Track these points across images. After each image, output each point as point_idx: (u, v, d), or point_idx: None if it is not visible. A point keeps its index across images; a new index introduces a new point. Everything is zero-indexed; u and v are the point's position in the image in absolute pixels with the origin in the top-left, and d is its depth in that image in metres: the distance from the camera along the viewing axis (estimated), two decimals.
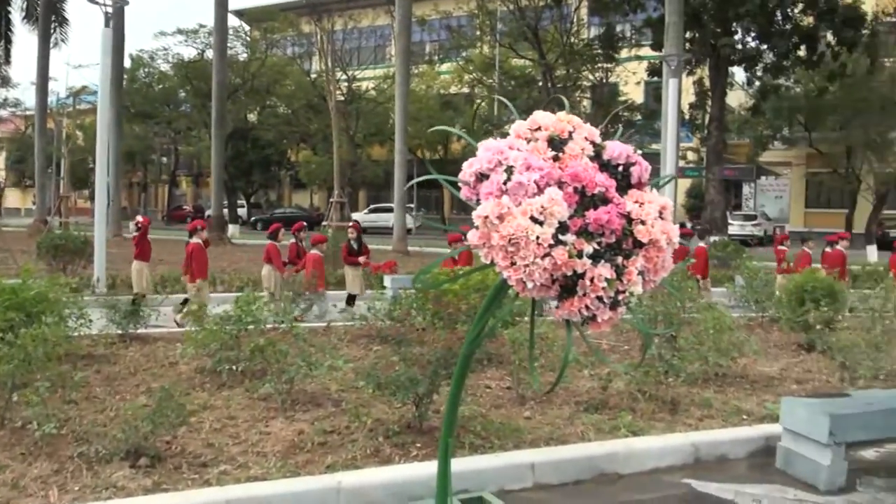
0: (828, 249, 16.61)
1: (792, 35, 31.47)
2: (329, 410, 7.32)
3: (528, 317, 3.85)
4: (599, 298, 3.23)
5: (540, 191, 3.24)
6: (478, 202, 3.33)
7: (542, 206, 3.17)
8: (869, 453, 7.15)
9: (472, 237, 3.28)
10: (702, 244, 16.76)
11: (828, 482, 6.18)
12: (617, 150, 3.46)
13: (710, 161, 33.67)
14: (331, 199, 33.68)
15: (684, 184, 56.17)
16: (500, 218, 3.20)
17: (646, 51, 37.14)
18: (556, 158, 3.38)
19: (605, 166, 3.43)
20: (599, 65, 41.46)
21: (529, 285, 3.20)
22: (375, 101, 47.75)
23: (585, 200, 3.29)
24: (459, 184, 3.46)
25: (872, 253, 31.87)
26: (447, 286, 9.13)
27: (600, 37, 38.12)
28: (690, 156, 48.34)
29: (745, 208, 52.43)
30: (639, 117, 43.25)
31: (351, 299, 14.59)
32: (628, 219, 3.30)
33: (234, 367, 8.23)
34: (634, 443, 6.66)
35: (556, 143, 3.43)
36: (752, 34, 32.61)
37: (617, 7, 34.18)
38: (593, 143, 3.47)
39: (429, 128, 33.23)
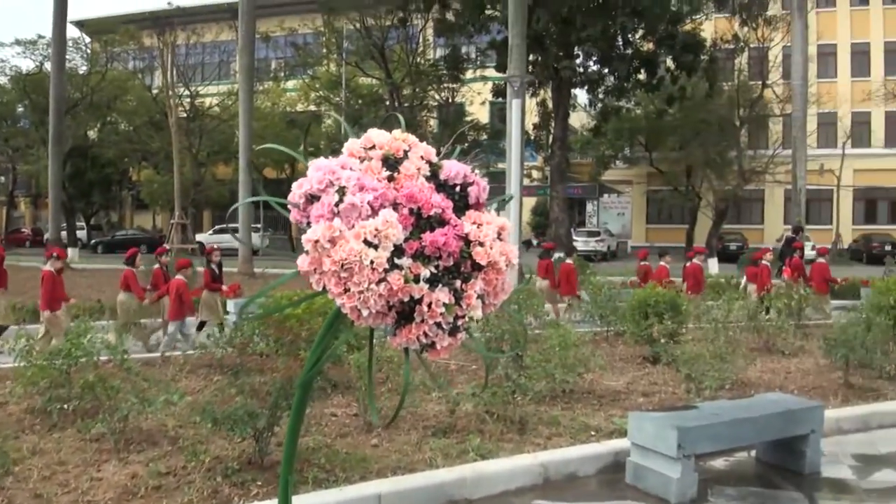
0: (687, 264, 17.43)
1: (632, 59, 32.59)
2: (165, 449, 6.89)
3: (373, 343, 3.66)
4: (438, 324, 3.07)
5: (374, 213, 3.06)
6: (309, 225, 3.13)
7: (377, 229, 2.99)
8: (718, 463, 7.29)
9: (302, 263, 3.07)
10: (569, 261, 17.10)
11: (678, 495, 6.23)
12: (454, 169, 3.31)
13: (554, 180, 34.40)
14: (172, 220, 32.72)
15: (530, 202, 57.37)
16: (332, 242, 3.00)
17: (491, 72, 37.74)
18: (390, 178, 3.21)
19: (442, 186, 3.28)
20: (445, 85, 41.92)
21: (365, 313, 3.02)
22: (219, 118, 46.52)
23: (421, 222, 3.13)
24: (289, 206, 3.26)
25: (714, 266, 33.20)
26: (290, 311, 8.79)
27: (446, 57, 38.52)
28: (536, 174, 49.42)
29: (588, 225, 53.92)
30: (485, 137, 43.89)
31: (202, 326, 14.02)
32: (466, 241, 3.15)
33: (65, 406, 7.62)
34: (483, 466, 6.54)
35: (391, 163, 3.26)
36: (594, 58, 33.60)
37: (461, 29, 34.62)
38: (429, 162, 3.32)
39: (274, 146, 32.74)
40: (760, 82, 40.59)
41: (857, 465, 7.42)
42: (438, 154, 3.40)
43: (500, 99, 36.21)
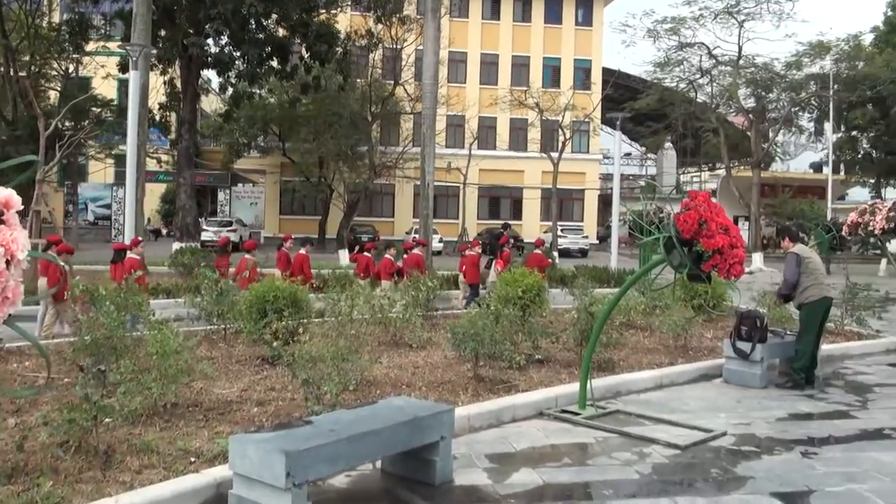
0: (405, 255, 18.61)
1: (265, 44, 31.49)
2: None
3: None
4: None
5: None
6: None
7: None
8: (339, 480, 6.38)
9: None
10: (302, 251, 17.66)
11: None
12: None
13: (182, 165, 32.49)
14: None
15: (160, 189, 54.73)
16: None
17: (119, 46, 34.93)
18: None
19: None
20: (68, 54, 38.28)
21: None
22: None
23: None
24: None
25: (344, 257, 33.19)
26: None
27: (70, 23, 34.93)
28: (167, 159, 47.24)
29: (220, 214, 52.41)
30: (110, 115, 40.79)
31: None
32: None
33: None
34: None
35: None
36: (226, 39, 32.11)
37: None
38: None
39: None
40: (392, 80, 41.58)
41: (493, 466, 6.88)
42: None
43: (127, 75, 33.53)
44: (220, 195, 55.57)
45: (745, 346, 10.49)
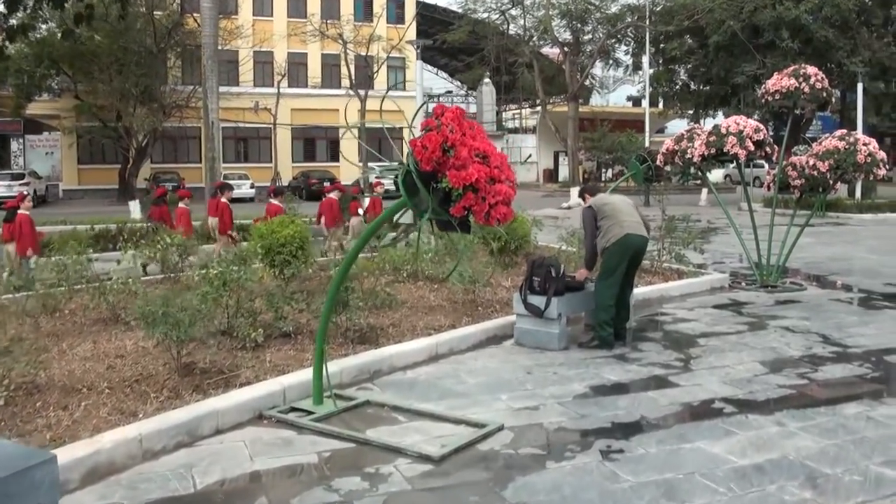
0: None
1: None
2: None
3: None
4: None
5: None
6: None
7: None
8: None
9: None
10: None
11: None
12: None
13: None
14: None
15: None
16: None
17: None
18: None
19: None
20: None
21: None
22: None
23: None
24: None
25: (135, 209, 29.80)
26: None
27: None
28: None
29: (14, 167, 47.82)
30: None
31: None
32: None
33: None
34: None
35: None
36: None
37: None
38: None
39: None
40: (180, 10, 38.64)
41: None
42: None
43: None
44: (14, 145, 50.63)
45: (538, 300, 8.56)
